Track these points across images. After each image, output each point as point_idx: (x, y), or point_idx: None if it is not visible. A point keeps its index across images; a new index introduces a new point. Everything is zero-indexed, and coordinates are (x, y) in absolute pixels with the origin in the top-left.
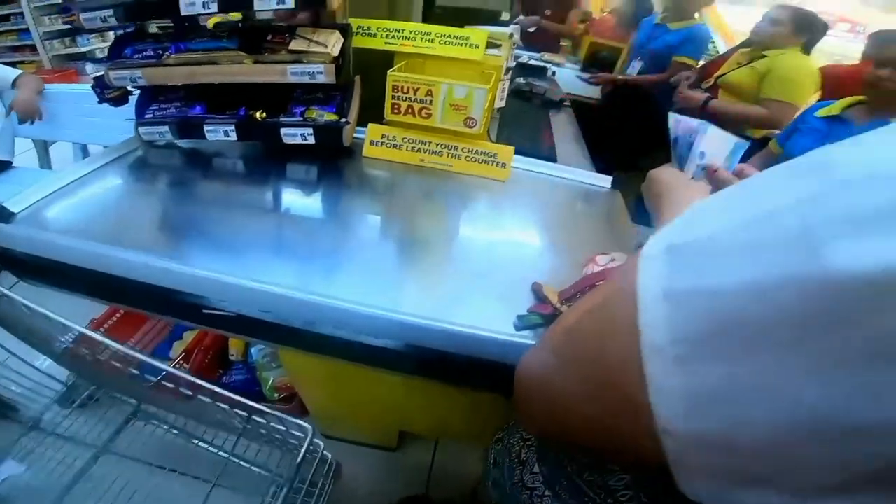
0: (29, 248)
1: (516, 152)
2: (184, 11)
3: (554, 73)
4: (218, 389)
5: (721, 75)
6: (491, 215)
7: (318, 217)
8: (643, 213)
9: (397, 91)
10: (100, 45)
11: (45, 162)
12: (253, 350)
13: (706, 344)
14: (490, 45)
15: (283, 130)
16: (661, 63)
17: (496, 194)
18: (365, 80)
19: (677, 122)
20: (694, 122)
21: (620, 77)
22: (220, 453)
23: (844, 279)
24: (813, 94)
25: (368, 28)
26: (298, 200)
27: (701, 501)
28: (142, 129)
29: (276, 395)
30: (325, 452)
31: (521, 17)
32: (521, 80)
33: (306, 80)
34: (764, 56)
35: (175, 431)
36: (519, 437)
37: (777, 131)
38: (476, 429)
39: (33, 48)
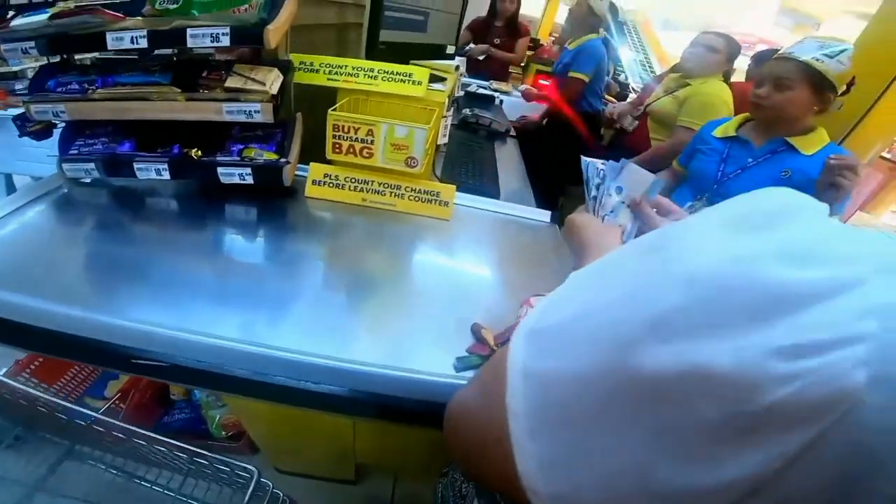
0: None
1: (461, 188)
2: (111, 46)
3: (501, 102)
4: (152, 434)
5: (650, 103)
6: (435, 255)
7: (257, 260)
8: None
9: (338, 130)
10: (32, 65)
11: None
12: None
13: (552, 419)
14: (435, 78)
15: (219, 170)
16: (561, 83)
17: (440, 233)
18: (309, 116)
19: (587, 165)
20: (606, 164)
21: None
22: (166, 492)
23: (651, 378)
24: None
25: (311, 64)
26: (237, 243)
27: None
28: (66, 166)
29: (223, 433)
30: (275, 491)
31: (472, 45)
32: (467, 111)
33: (242, 118)
34: (688, 84)
35: (114, 471)
36: (461, 471)
37: None
38: (429, 462)
39: None
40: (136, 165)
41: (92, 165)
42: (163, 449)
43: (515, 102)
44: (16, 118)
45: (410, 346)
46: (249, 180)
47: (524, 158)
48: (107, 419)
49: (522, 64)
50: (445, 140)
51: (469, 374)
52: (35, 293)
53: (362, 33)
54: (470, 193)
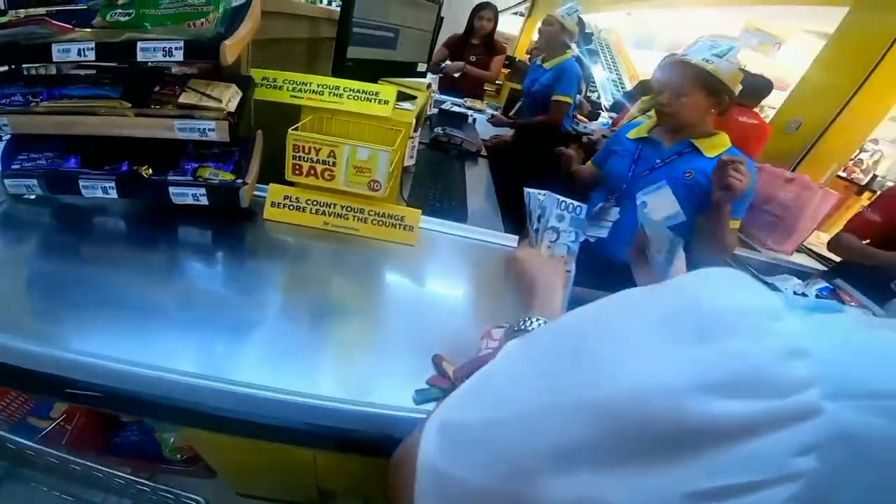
0: None
1: (428, 211)
2: (56, 58)
3: (474, 121)
4: (86, 462)
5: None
6: (398, 282)
7: (211, 286)
8: None
9: (298, 151)
10: None
11: None
12: None
13: None
14: (404, 97)
15: (171, 189)
16: (539, 102)
17: (404, 259)
18: (271, 134)
19: (528, 197)
20: (546, 196)
21: (510, 119)
22: None
23: None
24: None
25: (274, 80)
26: (190, 267)
27: None
28: (7, 182)
29: (178, 456)
30: None
31: (448, 62)
32: (439, 129)
33: (196, 136)
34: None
35: (56, 493)
36: None
37: None
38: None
39: None
40: (81, 183)
41: (35, 181)
42: (100, 475)
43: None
44: None
45: (371, 377)
46: (204, 201)
47: (495, 178)
48: (39, 447)
49: (498, 81)
50: (412, 161)
51: (430, 405)
52: None
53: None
54: (437, 217)
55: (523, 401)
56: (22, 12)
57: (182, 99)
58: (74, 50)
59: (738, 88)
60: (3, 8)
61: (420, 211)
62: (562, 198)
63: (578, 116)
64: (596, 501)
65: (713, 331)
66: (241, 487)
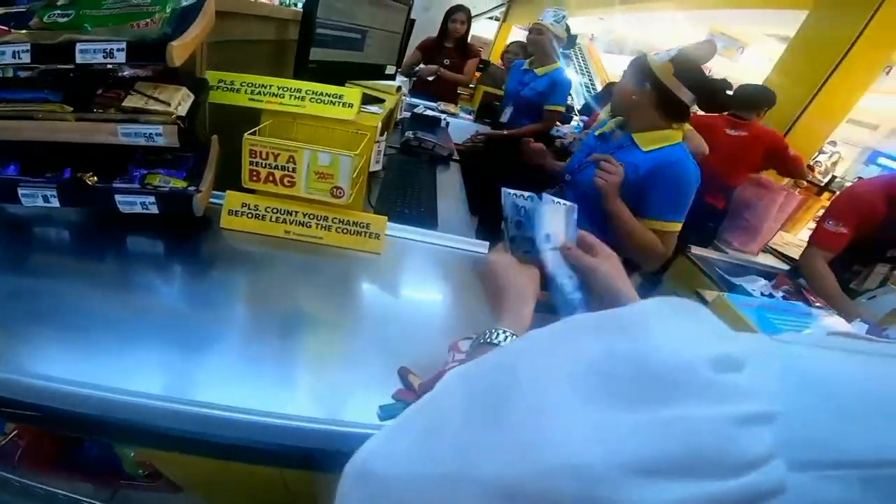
0: None
1: (397, 218)
2: None
3: (447, 125)
4: (26, 481)
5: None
6: (365, 292)
7: (164, 300)
8: None
9: (256, 156)
10: None
11: None
12: None
13: None
14: (371, 100)
15: (118, 198)
16: (533, 108)
17: (371, 268)
18: (229, 139)
19: (506, 199)
20: (529, 201)
21: (505, 132)
22: None
23: None
24: None
25: (231, 82)
26: (143, 280)
27: None
28: None
29: (139, 471)
30: None
31: (421, 65)
32: (410, 133)
33: (142, 142)
34: None
35: None
36: None
37: None
38: None
39: None
40: (20, 191)
41: None
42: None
43: (462, 124)
44: None
45: (337, 391)
46: (154, 210)
47: (468, 183)
48: None
49: (471, 85)
50: (379, 167)
51: None
52: None
53: None
54: (406, 223)
55: (437, 464)
56: None
57: (127, 102)
58: (9, 52)
59: (672, 82)
60: None
61: (387, 218)
62: (556, 199)
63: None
64: None
65: (654, 390)
66: (208, 498)
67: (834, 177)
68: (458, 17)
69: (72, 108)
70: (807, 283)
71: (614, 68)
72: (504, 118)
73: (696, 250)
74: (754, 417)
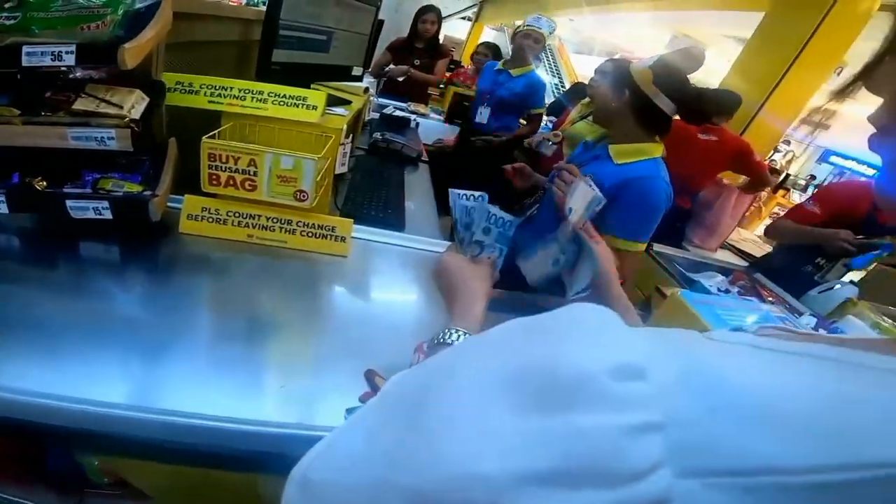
0: None
1: (363, 221)
2: None
3: (417, 125)
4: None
5: (566, 128)
6: (331, 296)
7: (123, 308)
8: None
9: (215, 160)
10: None
11: None
12: None
13: None
14: (338, 101)
15: (69, 203)
16: (509, 109)
17: (337, 271)
18: (190, 142)
19: (454, 201)
20: (476, 202)
21: (498, 138)
22: None
23: None
24: None
25: (189, 85)
26: (98, 287)
27: None
28: None
29: (104, 479)
30: None
31: (391, 66)
32: (378, 135)
33: (93, 145)
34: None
35: None
36: None
37: None
38: None
39: None
40: None
41: None
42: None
43: (432, 125)
44: None
45: (303, 396)
46: (108, 215)
47: (436, 184)
48: None
49: (441, 85)
50: (345, 169)
51: None
52: None
53: None
54: (373, 226)
55: (369, 471)
56: None
57: (77, 105)
58: None
59: (650, 90)
60: None
61: (352, 220)
62: (492, 210)
63: (521, 121)
64: None
65: (557, 399)
66: None
67: (788, 175)
68: (428, 18)
69: (19, 112)
70: (781, 239)
71: (584, 69)
72: (481, 119)
73: (657, 247)
74: (646, 426)
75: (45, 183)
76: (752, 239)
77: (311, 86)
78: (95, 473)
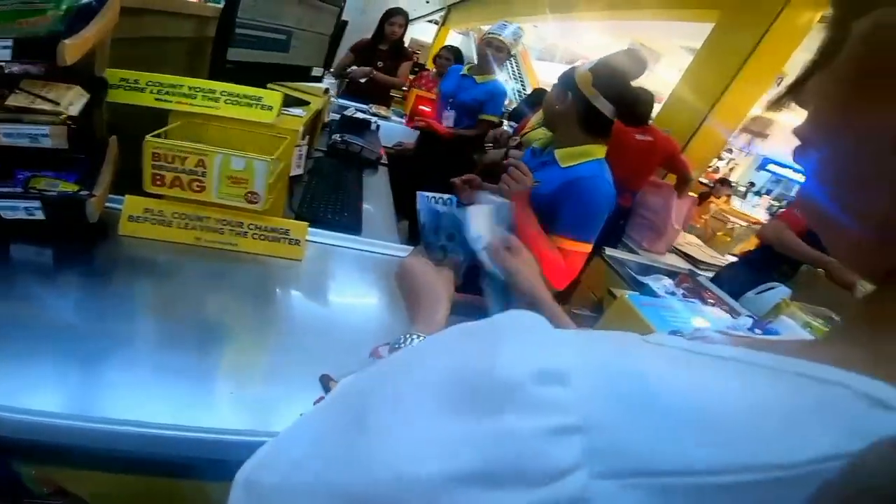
0: None
1: (320, 224)
2: None
3: (378, 128)
4: None
5: (524, 134)
6: (287, 300)
7: (57, 313)
8: None
9: (160, 160)
10: None
11: None
12: None
13: None
14: (296, 102)
15: None
16: (471, 113)
17: (293, 275)
18: (135, 142)
19: (422, 205)
20: (441, 202)
21: (447, 131)
22: None
23: None
24: None
25: (135, 81)
26: (33, 292)
27: None
28: None
29: (43, 489)
30: None
31: (354, 67)
32: (337, 136)
33: (26, 143)
34: None
35: None
36: None
37: None
38: None
39: None
40: None
41: None
42: None
43: (393, 127)
44: None
45: (256, 402)
46: (40, 216)
47: (395, 187)
48: None
49: (405, 88)
50: (300, 171)
51: None
52: None
53: None
54: (329, 229)
55: (306, 473)
56: None
57: (11, 101)
58: None
59: (590, 92)
60: None
61: (307, 224)
62: (459, 214)
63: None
64: None
65: (487, 402)
66: None
67: (727, 180)
68: (396, 21)
69: None
70: (782, 251)
71: (546, 75)
72: (447, 122)
73: (609, 252)
74: (564, 429)
75: None
76: (698, 243)
77: (268, 86)
78: (32, 482)
